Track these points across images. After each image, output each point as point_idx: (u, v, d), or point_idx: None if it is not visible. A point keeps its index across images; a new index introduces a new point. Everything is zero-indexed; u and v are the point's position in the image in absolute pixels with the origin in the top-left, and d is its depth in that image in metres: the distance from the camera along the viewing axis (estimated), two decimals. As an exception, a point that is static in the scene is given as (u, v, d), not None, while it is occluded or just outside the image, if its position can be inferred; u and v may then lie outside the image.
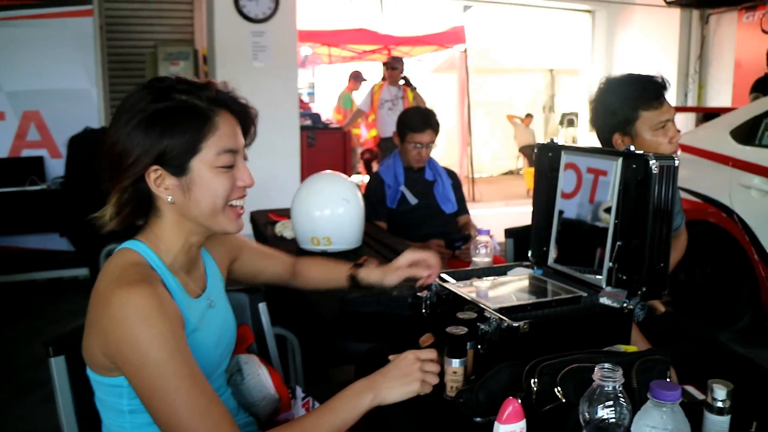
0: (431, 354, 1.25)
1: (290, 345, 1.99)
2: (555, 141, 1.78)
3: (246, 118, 1.32)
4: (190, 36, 6.89)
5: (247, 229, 3.33)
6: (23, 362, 3.72)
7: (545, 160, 1.81)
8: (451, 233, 3.27)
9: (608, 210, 1.54)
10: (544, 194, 1.81)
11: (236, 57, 5.71)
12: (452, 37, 9.55)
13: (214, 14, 5.68)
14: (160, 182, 1.21)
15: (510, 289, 1.66)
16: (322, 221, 2.50)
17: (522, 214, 1.96)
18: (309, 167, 6.02)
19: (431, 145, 3.36)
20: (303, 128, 6.58)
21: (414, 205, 3.32)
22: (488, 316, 1.35)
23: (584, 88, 8.72)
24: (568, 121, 11.50)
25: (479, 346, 1.35)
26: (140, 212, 1.26)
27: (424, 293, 1.63)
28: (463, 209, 3.50)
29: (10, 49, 5.12)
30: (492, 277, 1.72)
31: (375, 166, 9.61)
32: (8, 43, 5.11)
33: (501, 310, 1.38)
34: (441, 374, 1.26)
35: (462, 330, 1.25)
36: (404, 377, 1.20)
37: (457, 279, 1.68)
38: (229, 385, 1.45)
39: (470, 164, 9.37)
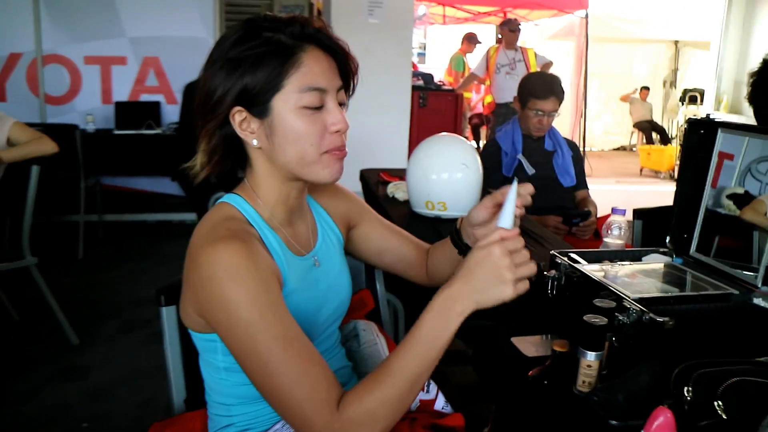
0: (519, 242, 1.05)
1: (393, 309, 1.91)
2: (711, 116, 1.62)
3: (341, 58, 1.20)
4: (306, -11, 6.87)
5: (357, 186, 3.30)
6: (129, 300, 3.89)
7: (695, 138, 1.64)
8: (568, 208, 3.12)
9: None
10: (690, 176, 1.65)
11: (351, 12, 5.61)
12: (573, 2, 9.14)
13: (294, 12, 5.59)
14: (246, 125, 1.14)
15: (647, 277, 1.52)
16: (439, 185, 2.40)
17: (634, 193, 1.80)
18: (419, 129, 5.93)
19: (554, 114, 3.20)
20: (414, 88, 6.44)
21: (531, 175, 3.17)
22: (628, 306, 1.23)
23: (713, 62, 8.16)
24: (690, 98, 10.84)
25: (614, 339, 1.23)
26: (231, 159, 1.20)
27: (552, 272, 1.52)
28: (582, 183, 3.33)
29: (134, -4, 5.25)
30: (626, 262, 1.59)
31: (483, 133, 9.42)
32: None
33: (641, 301, 1.26)
34: (576, 367, 1.15)
35: (601, 320, 1.14)
36: (494, 279, 1.01)
37: (588, 260, 1.55)
38: (344, 347, 1.39)
39: (582, 137, 9.05)
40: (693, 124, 1.65)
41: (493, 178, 3.13)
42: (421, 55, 13.89)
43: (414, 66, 9.35)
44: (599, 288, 1.36)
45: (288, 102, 1.11)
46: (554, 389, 1.16)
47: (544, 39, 10.93)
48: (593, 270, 1.47)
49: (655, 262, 1.62)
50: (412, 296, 1.96)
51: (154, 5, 5.33)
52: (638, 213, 2.27)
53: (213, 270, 1.04)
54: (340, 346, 1.37)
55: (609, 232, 1.76)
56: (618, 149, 12.49)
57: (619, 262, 1.57)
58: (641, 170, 9.87)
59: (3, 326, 3.42)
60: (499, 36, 7.72)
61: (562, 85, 3.25)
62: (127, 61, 5.38)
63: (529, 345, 1.38)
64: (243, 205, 1.19)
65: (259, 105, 1.12)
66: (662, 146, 10.51)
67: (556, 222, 2.91)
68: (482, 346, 1.42)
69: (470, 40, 9.13)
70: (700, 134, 1.63)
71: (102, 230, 5.23)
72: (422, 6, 9.90)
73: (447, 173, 2.42)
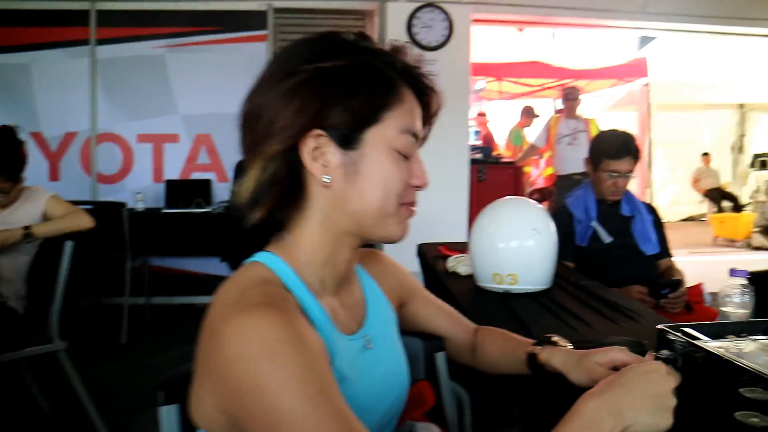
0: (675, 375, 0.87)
1: (458, 399, 1.59)
2: None
3: (429, 105, 1.01)
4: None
5: (414, 264, 3.01)
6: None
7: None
8: (653, 278, 2.76)
9: None
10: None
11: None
12: (633, 70, 8.91)
13: (386, 41, 5.50)
14: (319, 155, 0.90)
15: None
16: (507, 255, 2.08)
17: (712, 264, 1.47)
18: (478, 203, 5.64)
19: (630, 175, 2.88)
20: (473, 162, 6.24)
21: (608, 243, 2.84)
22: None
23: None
24: (761, 163, 10.37)
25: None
26: (286, 199, 0.94)
27: (664, 353, 1.20)
28: (665, 251, 2.97)
29: (188, 73, 5.30)
30: (758, 336, 1.25)
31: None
32: (185, 67, 5.31)
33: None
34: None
35: (764, 420, 0.81)
36: (656, 400, 0.82)
37: (709, 335, 1.22)
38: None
39: (649, 208, 8.56)
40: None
41: (567, 249, 2.81)
42: (477, 134, 13.76)
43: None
44: (736, 371, 1.02)
45: (383, 139, 0.93)
46: None
47: (605, 109, 10.65)
48: (719, 347, 1.14)
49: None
50: (480, 384, 1.64)
51: (208, 83, 5.30)
52: (755, 277, 1.91)
53: (244, 347, 0.78)
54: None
55: (728, 299, 1.42)
56: (687, 219, 11.99)
57: (748, 336, 1.23)
58: (715, 239, 9.38)
59: (32, 418, 3.18)
60: (560, 107, 7.49)
61: (637, 143, 2.95)
62: (180, 138, 5.33)
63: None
64: (280, 265, 0.94)
65: (348, 134, 0.91)
66: (736, 213, 10.01)
67: (641, 293, 2.56)
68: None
69: (528, 113, 8.94)
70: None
71: (148, 313, 5.03)
72: (480, 81, 9.78)
73: (517, 241, 2.10)
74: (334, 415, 0.77)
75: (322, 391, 0.78)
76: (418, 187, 0.99)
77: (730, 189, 11.26)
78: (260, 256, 0.96)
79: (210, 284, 5.23)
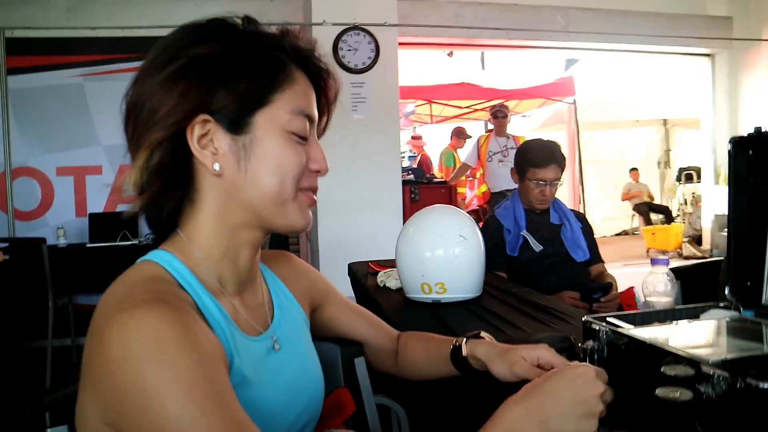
0: (605, 376, 0.85)
1: (394, 417, 1.51)
2: (761, 129, 1.29)
3: (325, 90, 0.97)
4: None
5: (345, 283, 2.94)
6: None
7: (743, 162, 1.31)
8: (585, 284, 2.75)
9: None
10: (744, 210, 1.31)
11: (336, 108, 5.45)
12: (561, 89, 9.10)
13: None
14: (207, 142, 0.84)
15: (717, 336, 1.15)
16: (435, 263, 2.03)
17: (644, 274, 1.46)
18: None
19: (556, 183, 2.88)
20: (405, 183, 6.23)
21: (539, 252, 2.82)
22: (710, 373, 0.86)
23: (707, 138, 8.00)
24: (686, 176, 10.70)
25: (697, 423, 0.85)
26: (172, 191, 0.87)
27: (588, 344, 1.15)
28: (596, 257, 2.98)
29: (108, 102, 5.09)
30: (682, 321, 1.22)
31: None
32: (106, 96, 5.15)
33: (727, 364, 0.89)
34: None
35: (685, 394, 0.76)
36: (582, 406, 0.80)
37: (633, 324, 1.18)
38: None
39: (583, 224, 8.71)
40: (738, 144, 1.31)
41: (498, 260, 2.79)
42: (412, 158, 13.84)
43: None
44: (659, 354, 0.98)
45: (275, 122, 0.88)
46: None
47: (533, 129, 10.85)
48: (644, 334, 1.10)
49: (719, 318, 1.24)
50: (416, 400, 1.57)
51: (128, 111, 5.14)
52: (676, 273, 1.90)
53: (126, 348, 0.71)
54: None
55: (652, 288, 1.39)
56: (620, 234, 12.26)
57: (673, 322, 1.20)
58: (648, 251, 9.59)
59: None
60: (490, 128, 7.58)
61: (562, 151, 2.96)
62: (102, 170, 5.14)
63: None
64: (173, 263, 0.87)
65: (236, 117, 0.86)
66: (666, 225, 10.28)
67: (573, 299, 2.54)
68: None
69: (459, 134, 9.00)
70: (749, 156, 1.30)
71: (76, 355, 4.78)
72: (410, 105, 9.83)
73: (443, 249, 2.05)
74: (226, 421, 0.71)
75: (213, 395, 0.72)
76: (317, 172, 0.94)
77: (658, 202, 11.58)
78: (152, 254, 0.90)
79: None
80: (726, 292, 1.31)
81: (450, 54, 10.78)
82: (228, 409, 0.72)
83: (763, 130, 1.29)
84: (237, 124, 0.86)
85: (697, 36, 7.06)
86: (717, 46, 7.44)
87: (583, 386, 0.81)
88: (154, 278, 0.84)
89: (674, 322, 1.20)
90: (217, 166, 0.86)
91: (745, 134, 1.31)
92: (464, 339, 1.16)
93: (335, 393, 1.09)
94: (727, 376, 0.84)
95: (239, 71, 0.86)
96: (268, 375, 0.90)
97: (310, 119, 0.92)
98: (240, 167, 0.87)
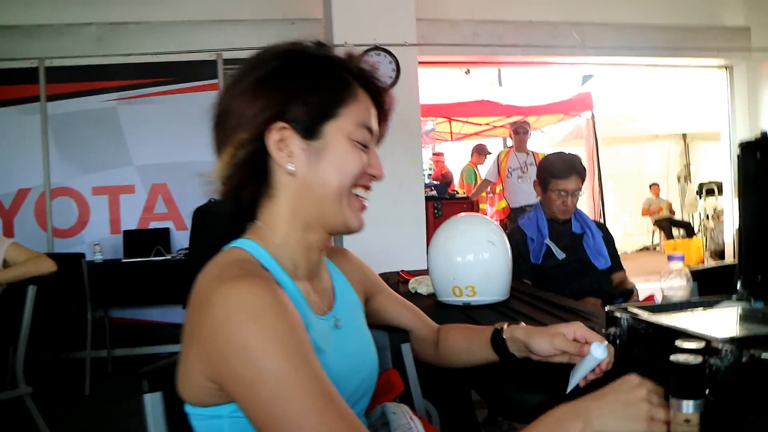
0: (658, 388, 0.90)
1: (425, 415, 1.62)
2: (767, 133, 1.41)
3: (383, 105, 1.12)
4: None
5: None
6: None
7: (751, 164, 1.43)
8: (607, 290, 2.86)
9: None
10: (753, 208, 1.43)
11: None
12: (578, 104, 9.19)
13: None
14: (284, 145, 0.99)
15: (727, 322, 1.27)
16: (465, 268, 2.17)
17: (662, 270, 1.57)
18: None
19: (577, 193, 3.00)
20: (428, 198, 6.36)
21: (562, 260, 2.94)
22: (719, 347, 0.99)
23: (726, 151, 8.01)
24: (707, 191, 10.71)
25: (707, 392, 0.97)
26: (251, 184, 1.02)
27: (611, 330, 1.28)
28: (617, 265, 3.08)
29: (140, 125, 5.35)
30: (698, 309, 1.34)
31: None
32: (138, 119, 5.37)
33: (734, 341, 1.01)
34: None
35: (696, 358, 0.88)
36: (625, 407, 0.86)
37: (652, 312, 1.31)
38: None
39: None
40: (746, 148, 1.44)
41: (523, 268, 2.91)
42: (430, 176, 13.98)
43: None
44: (674, 335, 1.10)
45: (342, 131, 1.03)
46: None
47: (553, 145, 10.93)
48: (661, 319, 1.22)
49: (731, 308, 1.36)
50: (448, 401, 1.70)
51: (161, 133, 5.35)
52: (693, 274, 2.01)
53: (231, 312, 0.85)
54: (370, 433, 1.12)
55: (669, 282, 1.51)
56: (641, 250, 12.22)
57: (689, 310, 1.32)
58: (669, 267, 9.62)
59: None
60: (510, 145, 7.69)
61: (582, 163, 3.08)
62: (135, 189, 5.34)
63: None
64: (256, 248, 1.02)
65: (309, 126, 1.01)
66: (688, 240, 10.28)
67: (595, 305, 2.65)
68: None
69: (480, 151, 9.14)
70: (757, 159, 1.42)
71: (111, 365, 4.96)
72: (429, 122, 9.98)
73: (473, 254, 2.19)
74: (313, 377, 0.85)
75: (302, 354, 0.86)
76: (374, 177, 1.08)
77: (678, 217, 11.57)
78: (237, 242, 1.04)
79: (172, 333, 5.21)
80: (738, 286, 1.43)
81: (467, 72, 10.95)
82: (313, 368, 0.86)
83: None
84: (310, 131, 1.00)
85: (714, 47, 7.09)
86: (735, 57, 7.41)
87: (625, 389, 0.89)
88: (242, 260, 0.98)
89: (689, 310, 1.32)
90: (291, 167, 1.00)
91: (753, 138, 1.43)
92: (505, 324, 1.29)
93: (386, 374, 1.22)
94: (735, 349, 0.97)
95: (312, 87, 1.01)
96: (335, 347, 1.04)
97: (371, 130, 1.07)
98: (311, 168, 1.01)
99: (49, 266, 2.90)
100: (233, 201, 1.04)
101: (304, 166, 1.01)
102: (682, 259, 1.56)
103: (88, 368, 4.44)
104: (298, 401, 0.82)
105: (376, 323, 1.32)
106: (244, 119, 0.99)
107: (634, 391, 0.88)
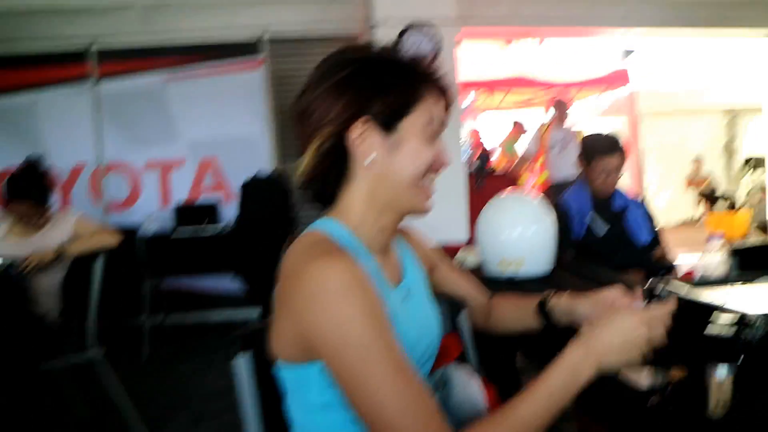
0: (661, 312, 1.09)
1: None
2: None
3: (447, 98, 1.22)
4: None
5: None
6: (198, 393, 3.82)
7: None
8: (648, 265, 2.94)
9: None
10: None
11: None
12: (615, 80, 9.14)
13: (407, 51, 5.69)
14: (363, 138, 1.12)
15: (764, 297, 1.36)
16: (513, 241, 2.29)
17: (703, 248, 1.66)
18: (476, 211, 5.83)
19: (620, 171, 3.07)
20: (471, 172, 6.43)
21: (604, 234, 3.02)
22: (753, 320, 1.08)
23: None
24: (754, 164, 10.59)
25: (741, 358, 1.08)
26: (332, 175, 1.16)
27: (645, 303, 1.38)
28: (657, 240, 3.15)
29: (189, 102, 5.53)
30: (735, 285, 1.43)
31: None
32: (187, 96, 5.55)
33: (766, 316, 1.10)
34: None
35: (729, 330, 0.99)
36: (629, 346, 1.05)
37: (691, 287, 1.40)
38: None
39: (644, 213, 8.70)
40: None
41: (565, 242, 2.99)
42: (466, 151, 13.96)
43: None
44: (712, 310, 1.20)
45: (415, 126, 1.15)
46: (681, 416, 1.00)
47: (595, 116, 10.87)
48: (700, 294, 1.31)
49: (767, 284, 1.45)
50: (496, 367, 1.82)
51: (209, 109, 5.52)
52: (733, 251, 2.10)
53: (322, 285, 0.99)
54: (434, 392, 1.25)
55: (709, 259, 1.61)
56: (684, 223, 12.13)
57: (727, 286, 1.41)
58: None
59: (70, 425, 3.34)
60: (550, 118, 7.68)
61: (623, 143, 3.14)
62: (185, 163, 5.53)
63: (640, 376, 1.23)
64: (337, 228, 1.15)
65: (387, 121, 1.13)
66: (733, 212, 10.17)
67: (638, 277, 2.73)
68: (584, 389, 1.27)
69: (519, 126, 9.14)
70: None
71: (166, 331, 5.20)
72: (471, 94, 9.99)
73: (520, 228, 2.32)
74: (390, 346, 0.99)
75: (381, 326, 1.00)
76: (442, 164, 1.20)
77: (723, 190, 11.44)
78: (319, 223, 1.17)
79: (223, 300, 5.43)
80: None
81: (508, 41, 10.88)
82: (389, 338, 1.00)
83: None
84: (388, 126, 1.13)
85: (759, 17, 6.96)
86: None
87: (631, 332, 1.05)
88: (326, 239, 1.11)
89: (727, 285, 1.41)
90: (371, 157, 1.13)
91: None
92: (551, 292, 1.41)
93: (445, 338, 1.34)
94: (767, 321, 1.06)
95: (390, 87, 1.13)
96: (405, 316, 1.16)
97: (439, 125, 1.19)
98: (387, 159, 1.13)
99: (114, 239, 3.07)
100: (320, 186, 1.16)
101: (381, 157, 1.13)
102: (722, 238, 1.64)
103: (146, 333, 4.68)
104: (377, 366, 0.96)
105: (437, 292, 1.44)
106: (329, 116, 1.11)
107: (637, 334, 1.05)
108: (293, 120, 1.18)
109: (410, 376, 0.98)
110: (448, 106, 1.22)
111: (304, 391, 1.09)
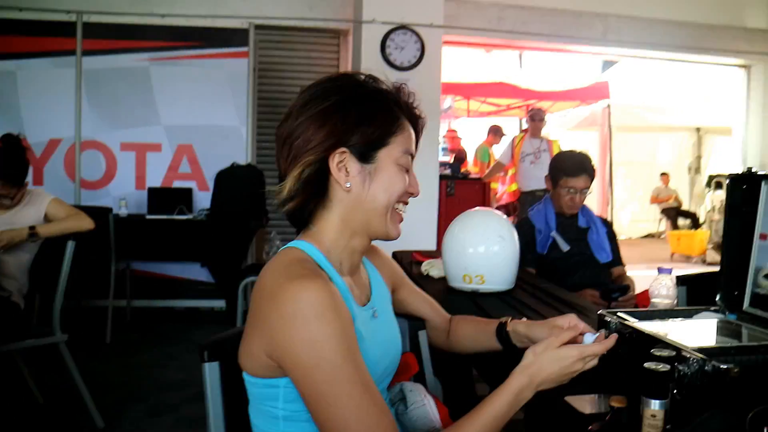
0: (596, 349, 1.22)
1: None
2: (753, 170, 1.60)
3: (418, 132, 1.31)
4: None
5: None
6: (157, 385, 3.82)
7: (738, 194, 1.62)
8: (605, 284, 3.06)
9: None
10: (736, 232, 1.62)
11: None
12: (595, 93, 9.32)
13: (360, 62, 5.78)
14: (342, 167, 1.19)
15: (702, 332, 1.47)
16: (476, 258, 2.38)
17: (652, 279, 1.78)
18: (447, 216, 5.93)
19: (586, 191, 3.18)
20: (442, 177, 6.55)
21: (566, 252, 3.13)
22: (688, 356, 1.18)
23: (738, 147, 8.15)
24: (716, 183, 10.83)
25: (675, 392, 1.18)
26: (314, 198, 1.22)
27: (602, 331, 1.47)
28: (617, 260, 3.28)
29: (170, 86, 5.53)
30: (678, 318, 1.54)
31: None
32: (169, 80, 5.54)
33: (701, 351, 1.20)
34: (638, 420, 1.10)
35: (664, 366, 1.09)
36: (564, 377, 1.20)
37: (638, 318, 1.51)
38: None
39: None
40: (735, 180, 1.64)
41: (529, 257, 3.10)
42: (445, 150, 14.08)
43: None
44: (654, 342, 1.30)
45: (391, 157, 1.22)
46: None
47: (568, 129, 11.06)
48: (645, 326, 1.42)
49: (708, 318, 1.56)
50: (453, 377, 1.92)
51: (190, 95, 5.52)
52: (681, 279, 2.22)
53: (298, 307, 1.05)
54: (390, 406, 1.33)
55: (656, 292, 1.72)
56: (647, 236, 12.42)
57: (671, 320, 1.52)
58: (672, 255, 9.79)
59: (27, 409, 3.36)
60: (525, 127, 7.81)
61: (593, 163, 3.26)
62: (162, 148, 5.53)
63: (584, 403, 1.33)
64: (311, 249, 1.21)
65: (365, 152, 1.20)
66: (693, 231, 10.44)
67: (593, 296, 2.85)
68: (534, 409, 1.36)
69: (495, 132, 9.24)
70: (743, 189, 1.61)
71: (130, 315, 5.22)
72: (448, 98, 10.11)
73: (484, 246, 2.40)
74: (358, 367, 1.07)
75: (351, 348, 1.07)
76: (412, 194, 1.28)
77: (686, 208, 11.73)
78: (295, 243, 1.23)
79: (190, 288, 5.44)
80: (717, 298, 1.63)
81: (488, 50, 11.02)
82: (358, 360, 1.07)
83: (753, 170, 1.60)
84: (365, 156, 1.20)
85: (734, 47, 7.23)
86: (754, 57, 7.56)
87: (568, 367, 1.19)
88: (303, 259, 1.18)
89: (671, 319, 1.52)
90: (348, 184, 1.20)
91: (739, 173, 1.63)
92: (509, 317, 1.51)
93: (404, 356, 1.42)
94: (700, 358, 1.16)
95: (369, 120, 1.20)
96: (372, 334, 1.23)
97: (412, 156, 1.27)
98: (363, 187, 1.21)
99: (87, 223, 3.09)
100: (299, 209, 1.22)
101: (358, 185, 1.20)
102: (670, 272, 1.75)
103: (110, 317, 4.70)
104: (344, 385, 1.03)
105: (398, 312, 1.52)
106: (311, 144, 1.18)
107: (574, 365, 1.19)
108: (276, 143, 1.25)
109: (374, 395, 1.06)
110: (418, 134, 1.30)
111: (269, 403, 1.15)
